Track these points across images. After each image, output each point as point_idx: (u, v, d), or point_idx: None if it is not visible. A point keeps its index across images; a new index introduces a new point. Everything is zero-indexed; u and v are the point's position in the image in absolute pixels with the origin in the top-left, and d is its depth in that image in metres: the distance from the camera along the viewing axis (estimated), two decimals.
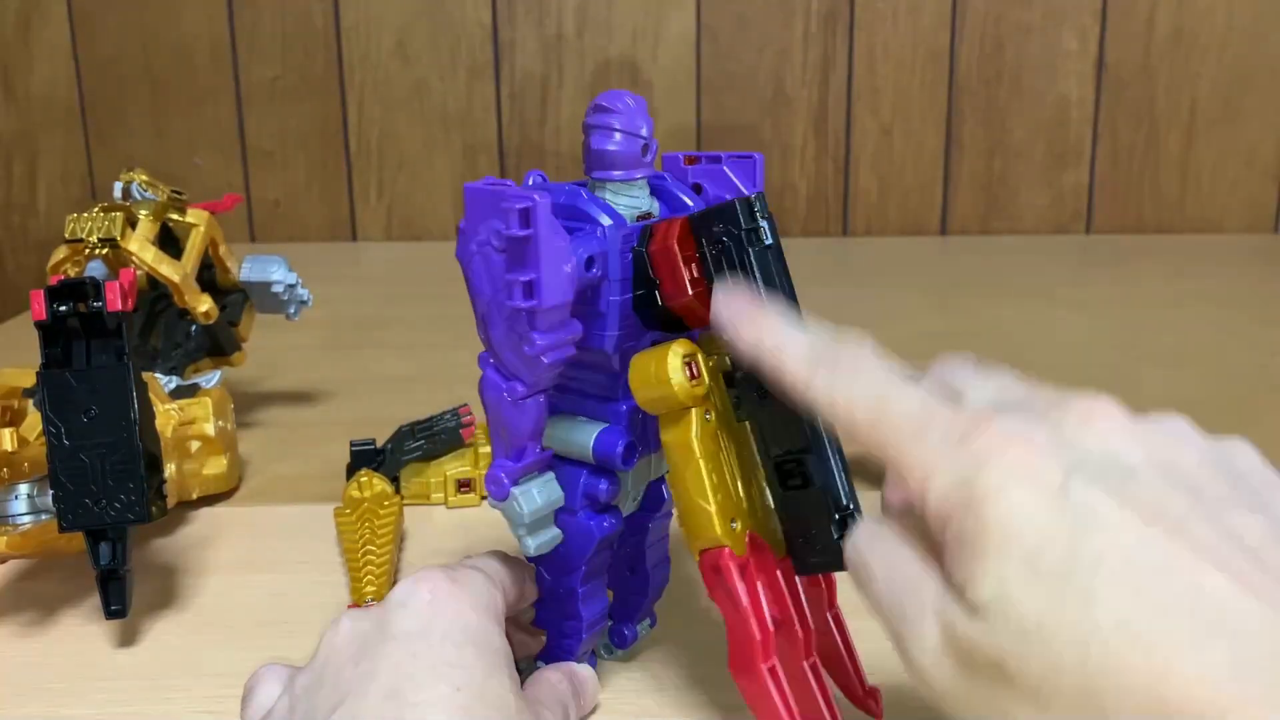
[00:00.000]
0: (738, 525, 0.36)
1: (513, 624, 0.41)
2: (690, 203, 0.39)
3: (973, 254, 1.31)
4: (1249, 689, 0.23)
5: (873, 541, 0.31)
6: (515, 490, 0.38)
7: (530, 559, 0.41)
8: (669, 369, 0.36)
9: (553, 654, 0.42)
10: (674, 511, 0.44)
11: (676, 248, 0.36)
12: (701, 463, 0.36)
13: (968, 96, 1.36)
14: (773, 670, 0.36)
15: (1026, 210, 1.39)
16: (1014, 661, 0.25)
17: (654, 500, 0.43)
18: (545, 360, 0.35)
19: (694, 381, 0.36)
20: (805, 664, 0.38)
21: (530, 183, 0.38)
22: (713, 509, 0.36)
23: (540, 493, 0.38)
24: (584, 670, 0.42)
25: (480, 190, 0.35)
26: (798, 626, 0.37)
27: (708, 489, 0.36)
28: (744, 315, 0.34)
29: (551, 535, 0.39)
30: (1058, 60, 1.35)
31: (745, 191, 0.40)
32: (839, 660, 0.41)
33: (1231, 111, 1.36)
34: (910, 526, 0.30)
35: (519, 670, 0.40)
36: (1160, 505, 0.26)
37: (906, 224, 1.40)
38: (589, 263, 0.36)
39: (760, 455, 0.37)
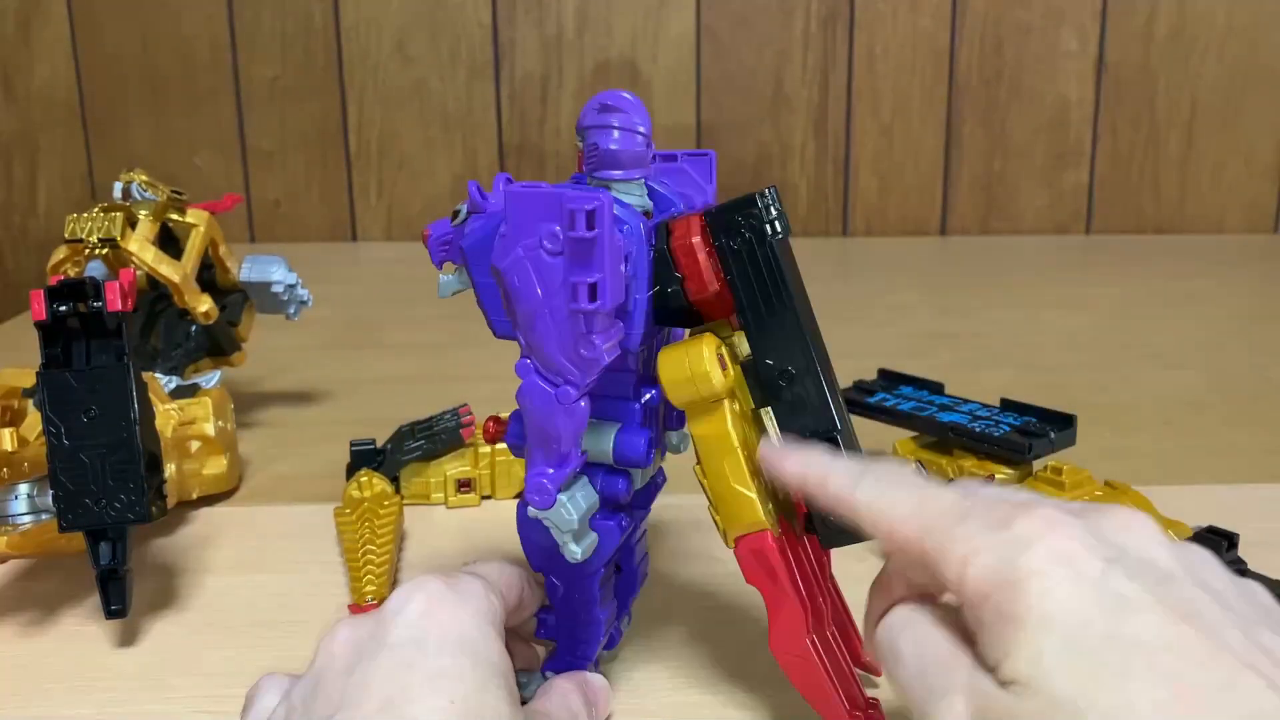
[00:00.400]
0: (769, 507, 0.38)
1: (513, 634, 0.41)
2: (675, 199, 0.40)
3: (973, 254, 1.31)
4: None
5: (905, 627, 0.32)
6: (562, 497, 0.37)
7: (539, 567, 0.41)
8: (706, 363, 0.37)
9: (566, 663, 0.42)
10: (646, 504, 0.44)
11: (701, 242, 0.37)
12: (740, 451, 0.37)
13: (968, 96, 1.36)
14: (814, 643, 0.38)
15: (1026, 210, 1.39)
16: None
17: (645, 497, 0.43)
18: (604, 361, 0.35)
19: (725, 373, 0.37)
20: (828, 633, 0.39)
21: (501, 186, 0.38)
22: (754, 494, 0.37)
23: (583, 497, 0.38)
24: (596, 679, 0.41)
25: (531, 193, 0.34)
26: (820, 598, 0.39)
27: (747, 475, 0.37)
28: (789, 452, 0.36)
29: (592, 539, 0.39)
30: (1058, 60, 1.35)
31: (706, 188, 0.41)
32: (842, 625, 0.43)
33: (1231, 111, 1.36)
34: (938, 615, 0.32)
35: (520, 683, 0.40)
36: (1195, 608, 0.27)
37: (906, 224, 1.40)
38: (624, 261, 0.36)
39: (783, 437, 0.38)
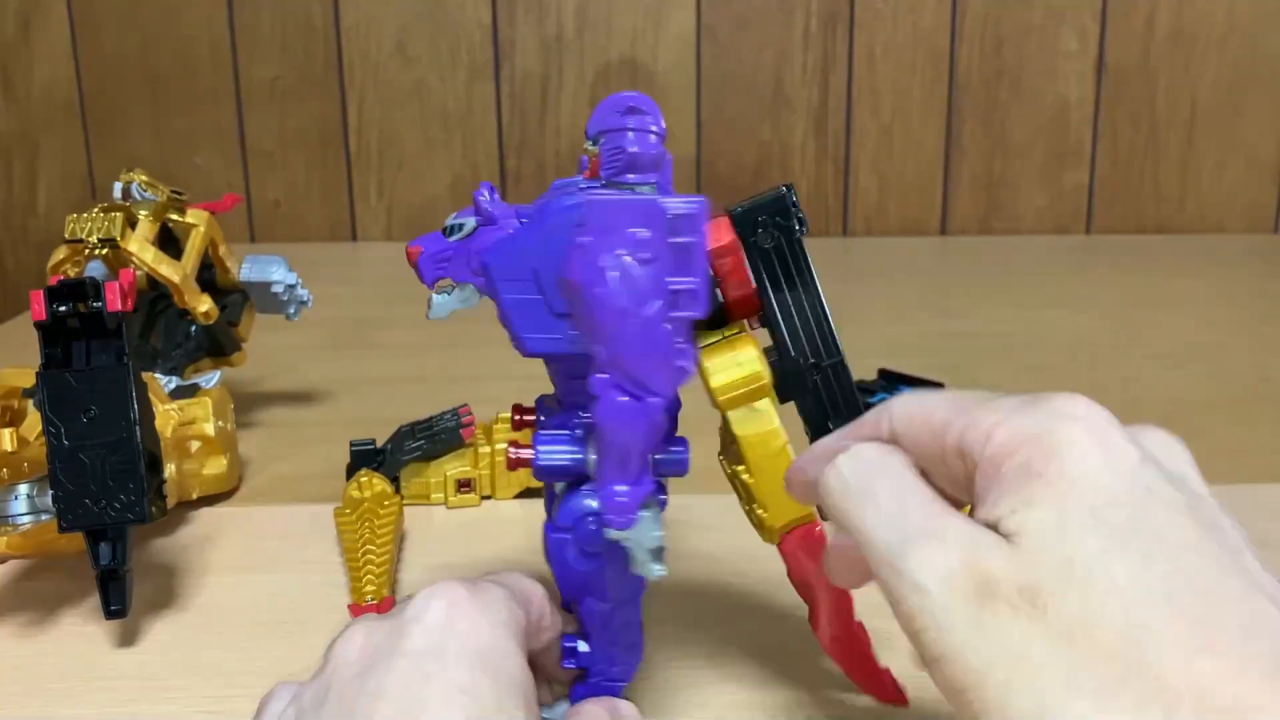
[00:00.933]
0: None
1: (536, 659, 0.39)
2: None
3: (973, 254, 1.31)
4: (1255, 694, 0.23)
5: (883, 462, 0.30)
6: (645, 514, 0.35)
7: (573, 595, 0.39)
8: (758, 363, 0.38)
9: (600, 688, 0.40)
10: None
11: (736, 241, 0.38)
12: (789, 445, 0.38)
13: (968, 96, 1.36)
14: (860, 624, 0.40)
15: (1026, 210, 1.39)
16: (1050, 595, 0.25)
17: None
18: (693, 370, 0.34)
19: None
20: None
21: (487, 196, 0.37)
22: None
23: (656, 515, 0.36)
24: (627, 707, 0.39)
25: (620, 201, 0.33)
26: None
27: None
28: (803, 464, 0.34)
29: (664, 555, 0.37)
30: (1058, 60, 1.35)
31: (669, 189, 0.41)
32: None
33: (1231, 111, 1.36)
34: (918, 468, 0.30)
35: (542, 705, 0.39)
36: (1220, 527, 0.26)
37: (906, 224, 1.40)
38: None
39: (809, 427, 0.39)
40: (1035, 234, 1.40)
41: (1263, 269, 1.26)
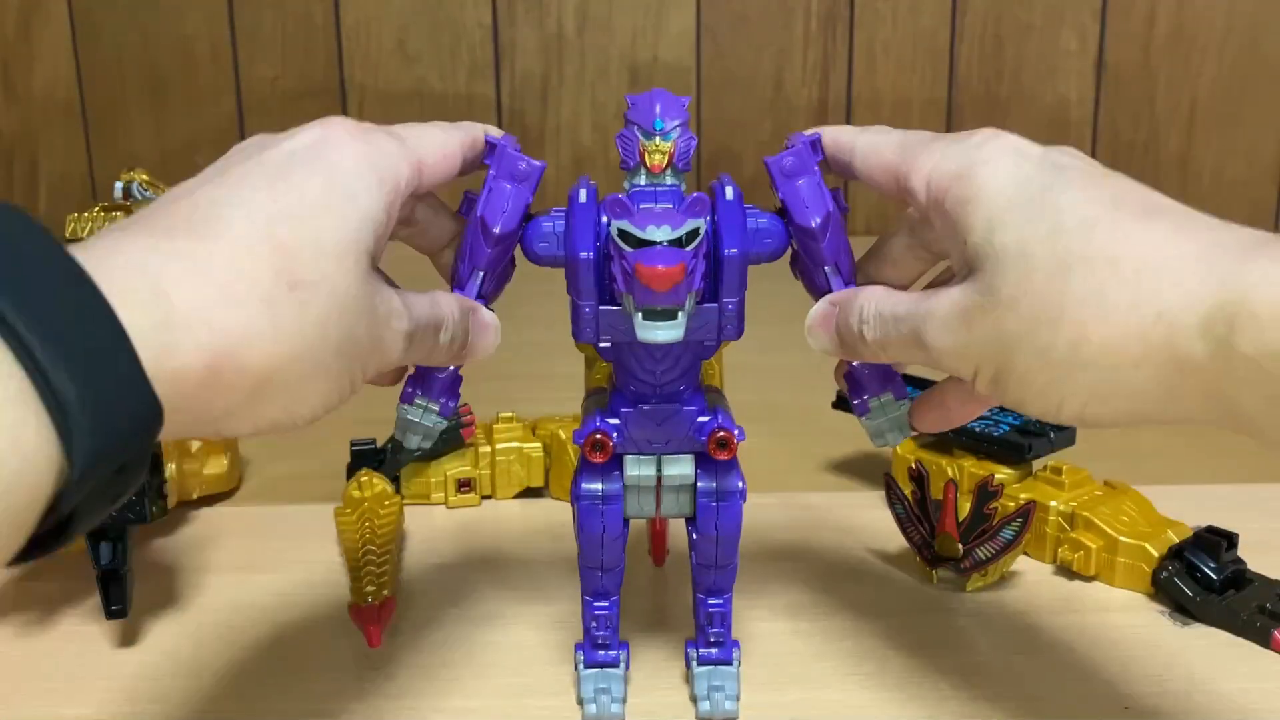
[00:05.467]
0: None
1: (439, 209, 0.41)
2: None
3: None
4: (1185, 247, 0.30)
5: (871, 295, 0.37)
6: None
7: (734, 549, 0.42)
8: None
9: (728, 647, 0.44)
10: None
11: None
12: None
13: (968, 96, 1.36)
14: None
15: None
16: (1003, 288, 0.32)
17: None
18: None
19: None
20: None
21: (730, 194, 0.40)
22: None
23: None
24: (489, 314, 0.39)
25: (804, 147, 0.40)
26: None
27: None
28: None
29: None
30: (1058, 60, 1.35)
31: None
32: None
33: (1231, 111, 1.36)
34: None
35: None
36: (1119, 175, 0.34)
37: None
38: None
39: None
40: None
41: None
